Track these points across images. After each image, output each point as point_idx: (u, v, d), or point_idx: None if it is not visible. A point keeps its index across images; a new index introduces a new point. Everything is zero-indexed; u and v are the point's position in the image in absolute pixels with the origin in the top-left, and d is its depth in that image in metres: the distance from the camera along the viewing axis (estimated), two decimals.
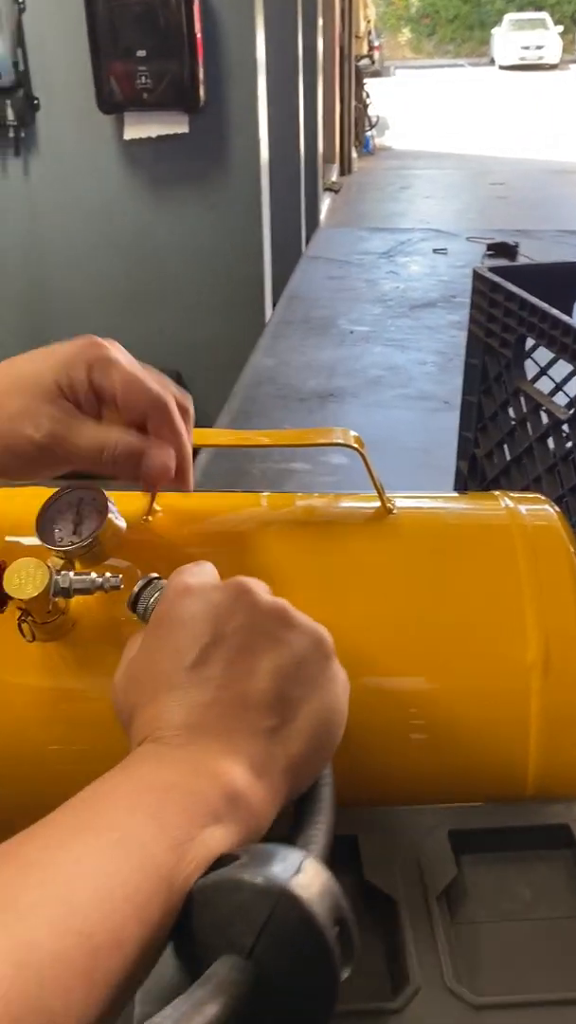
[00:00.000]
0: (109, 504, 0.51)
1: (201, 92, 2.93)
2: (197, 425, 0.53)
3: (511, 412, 0.90)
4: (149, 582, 0.46)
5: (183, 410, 0.51)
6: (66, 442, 0.48)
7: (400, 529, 0.56)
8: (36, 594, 0.46)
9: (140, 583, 0.46)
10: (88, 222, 3.29)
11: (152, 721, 0.39)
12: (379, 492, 0.56)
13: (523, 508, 0.58)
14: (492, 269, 0.92)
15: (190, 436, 0.51)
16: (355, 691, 0.50)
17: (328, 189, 7.56)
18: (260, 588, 0.43)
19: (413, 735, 0.50)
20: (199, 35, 2.88)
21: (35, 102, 3.11)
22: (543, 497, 0.61)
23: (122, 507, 0.53)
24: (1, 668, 0.51)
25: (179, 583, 0.43)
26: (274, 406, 1.48)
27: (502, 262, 2.22)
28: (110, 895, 0.30)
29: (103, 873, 0.31)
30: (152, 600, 0.45)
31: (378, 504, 0.57)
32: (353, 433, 0.56)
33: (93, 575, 0.49)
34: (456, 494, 0.63)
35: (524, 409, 0.86)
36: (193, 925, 0.32)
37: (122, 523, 0.52)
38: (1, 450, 0.48)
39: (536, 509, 0.58)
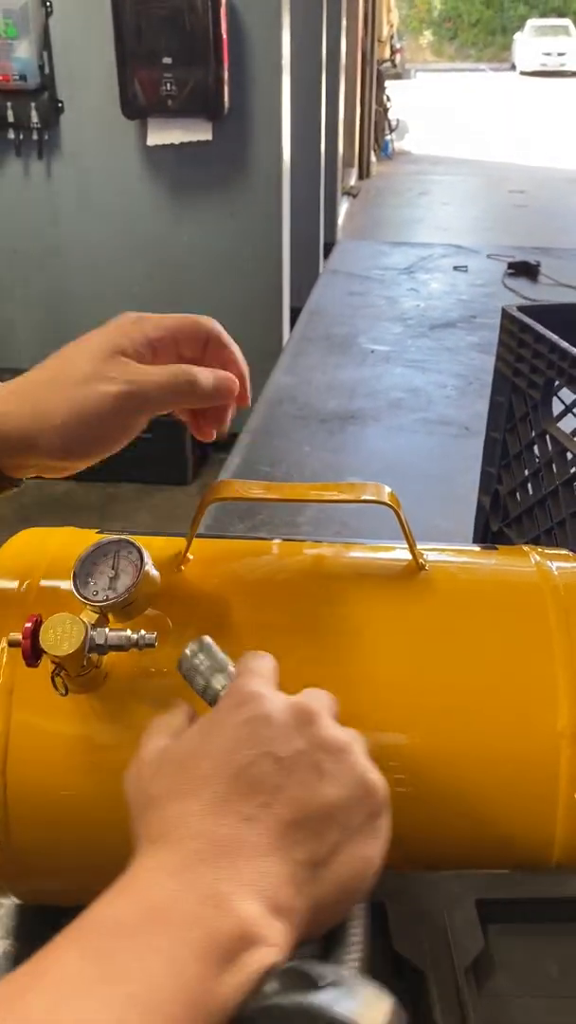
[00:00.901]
0: (145, 557, 0.51)
1: (225, 100, 2.93)
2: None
3: (537, 452, 0.90)
4: (223, 669, 0.46)
5: None
6: (141, 386, 0.49)
7: (432, 586, 0.56)
8: (72, 651, 0.47)
9: (205, 664, 0.46)
10: (109, 226, 3.30)
11: (175, 819, 0.38)
12: (412, 549, 0.56)
13: (553, 566, 0.58)
14: (522, 308, 0.92)
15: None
16: (381, 750, 0.50)
17: (347, 193, 7.55)
18: (327, 714, 0.43)
19: (439, 799, 0.51)
20: (225, 42, 2.88)
21: (59, 105, 3.12)
22: (572, 554, 0.61)
23: (154, 554, 0.54)
24: (34, 714, 0.52)
25: (247, 689, 0.42)
26: (294, 426, 1.48)
27: (523, 282, 2.22)
28: None
29: None
30: (221, 688, 0.45)
31: (409, 557, 0.57)
32: (388, 489, 0.56)
33: (129, 632, 0.49)
34: (483, 548, 0.63)
35: (550, 451, 0.86)
36: None
37: (157, 576, 0.53)
38: (74, 418, 0.49)
39: (567, 567, 0.58)
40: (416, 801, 0.50)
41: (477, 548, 0.64)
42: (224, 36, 2.87)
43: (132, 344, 0.50)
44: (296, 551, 0.60)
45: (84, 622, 0.48)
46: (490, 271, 2.34)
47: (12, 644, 0.48)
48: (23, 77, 3.01)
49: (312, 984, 0.33)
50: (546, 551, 0.60)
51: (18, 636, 0.48)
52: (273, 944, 0.34)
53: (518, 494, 0.95)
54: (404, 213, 7.91)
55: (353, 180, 8.32)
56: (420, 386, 1.61)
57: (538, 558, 0.59)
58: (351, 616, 0.54)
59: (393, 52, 12.45)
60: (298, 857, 0.37)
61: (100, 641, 0.48)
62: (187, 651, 0.47)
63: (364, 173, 8.97)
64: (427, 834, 0.50)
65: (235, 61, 2.94)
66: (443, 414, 1.50)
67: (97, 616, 0.50)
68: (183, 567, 0.56)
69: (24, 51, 2.98)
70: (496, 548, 0.62)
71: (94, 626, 0.49)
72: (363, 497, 0.55)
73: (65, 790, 0.52)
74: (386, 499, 0.54)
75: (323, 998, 0.32)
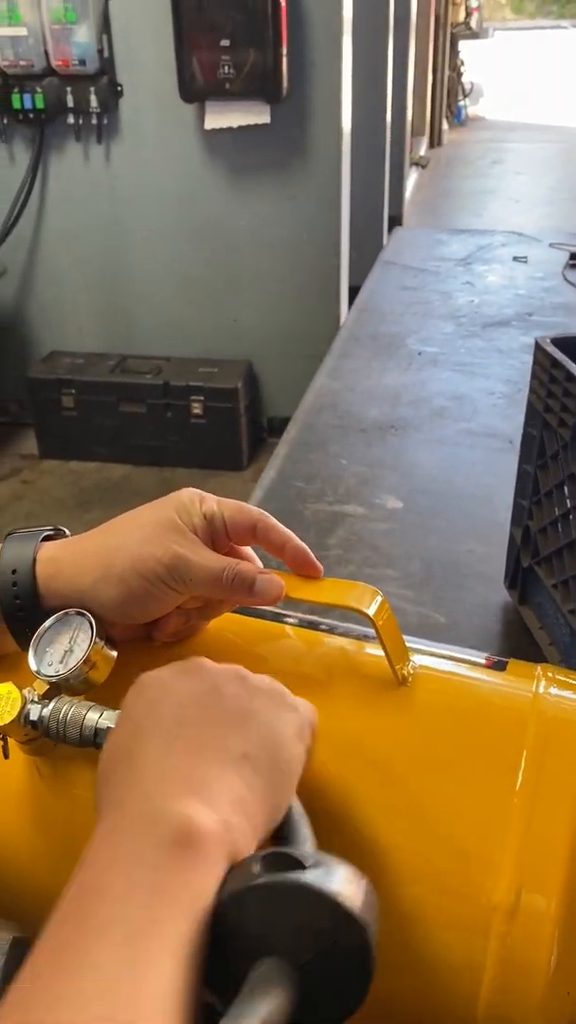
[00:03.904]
0: (94, 635, 0.51)
1: (284, 82, 2.88)
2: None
3: (567, 493, 0.86)
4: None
5: None
6: (190, 563, 0.51)
7: (404, 707, 0.51)
8: (7, 722, 0.48)
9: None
10: (167, 209, 3.29)
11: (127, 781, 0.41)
12: (391, 664, 0.51)
13: (556, 700, 0.51)
14: (556, 341, 0.88)
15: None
16: None
17: (415, 164, 7.39)
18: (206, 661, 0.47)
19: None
20: (284, 22, 2.82)
21: (118, 89, 3.11)
22: None
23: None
24: None
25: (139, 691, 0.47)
26: (332, 437, 1.46)
27: None
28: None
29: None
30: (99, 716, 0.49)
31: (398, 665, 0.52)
32: (379, 598, 0.51)
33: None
34: (489, 664, 0.55)
35: None
36: (239, 921, 0.35)
37: (112, 653, 0.52)
38: (132, 574, 0.51)
39: (569, 707, 0.51)
40: None
41: (482, 660, 0.56)
42: (283, 16, 2.81)
43: (197, 519, 0.53)
44: (281, 634, 0.57)
45: (24, 695, 0.49)
46: (551, 261, 2.26)
47: None
48: (82, 62, 3.00)
49: (297, 865, 0.36)
50: (560, 677, 0.53)
51: None
52: (239, 834, 0.39)
53: (548, 532, 0.91)
54: (475, 184, 7.71)
55: (423, 149, 8.12)
56: (466, 393, 1.57)
57: (543, 689, 0.51)
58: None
59: (469, 13, 12.04)
60: (235, 754, 0.42)
61: (34, 717, 0.49)
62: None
63: (435, 142, 8.75)
64: None
65: (293, 42, 2.88)
66: (488, 425, 1.46)
67: (47, 687, 0.50)
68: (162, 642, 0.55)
69: (83, 36, 2.97)
70: (505, 664, 0.55)
71: (41, 698, 0.50)
72: (348, 603, 0.51)
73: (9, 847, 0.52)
74: (370, 611, 0.50)
75: (310, 876, 0.35)
